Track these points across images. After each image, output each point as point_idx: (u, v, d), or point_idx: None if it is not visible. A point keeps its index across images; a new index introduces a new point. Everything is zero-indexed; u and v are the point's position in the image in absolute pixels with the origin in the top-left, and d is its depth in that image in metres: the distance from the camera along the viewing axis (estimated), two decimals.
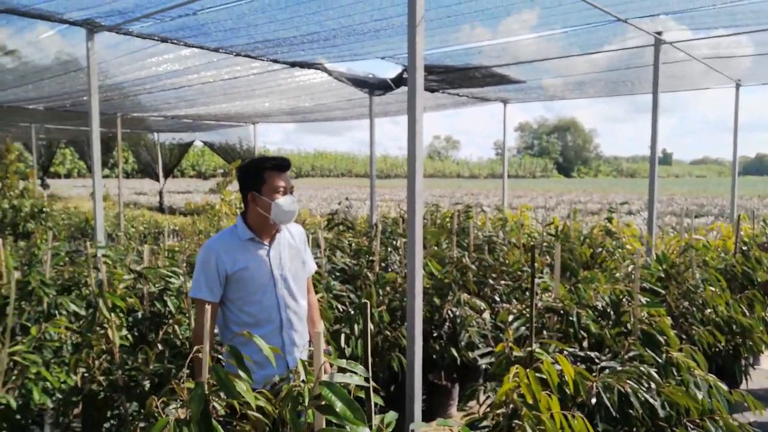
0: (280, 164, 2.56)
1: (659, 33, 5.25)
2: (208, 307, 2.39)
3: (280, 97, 9.20)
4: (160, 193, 20.82)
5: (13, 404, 2.69)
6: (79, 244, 8.68)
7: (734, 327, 4.06)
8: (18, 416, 2.80)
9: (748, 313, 4.31)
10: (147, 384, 2.95)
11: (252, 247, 2.54)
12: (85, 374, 2.97)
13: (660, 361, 2.74)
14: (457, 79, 7.49)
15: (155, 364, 3.01)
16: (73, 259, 4.88)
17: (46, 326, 3.06)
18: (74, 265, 4.55)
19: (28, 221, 9.72)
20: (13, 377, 2.81)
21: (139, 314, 3.42)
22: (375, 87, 7.48)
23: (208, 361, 1.68)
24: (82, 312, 3.46)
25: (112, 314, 2.94)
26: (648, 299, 3.10)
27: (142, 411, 2.97)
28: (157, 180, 19.29)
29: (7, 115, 11.41)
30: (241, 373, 1.67)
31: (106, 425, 2.97)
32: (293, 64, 6.54)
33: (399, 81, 7.09)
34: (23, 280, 3.50)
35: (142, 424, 2.57)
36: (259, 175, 2.53)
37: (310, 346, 2.76)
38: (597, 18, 4.80)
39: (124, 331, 3.17)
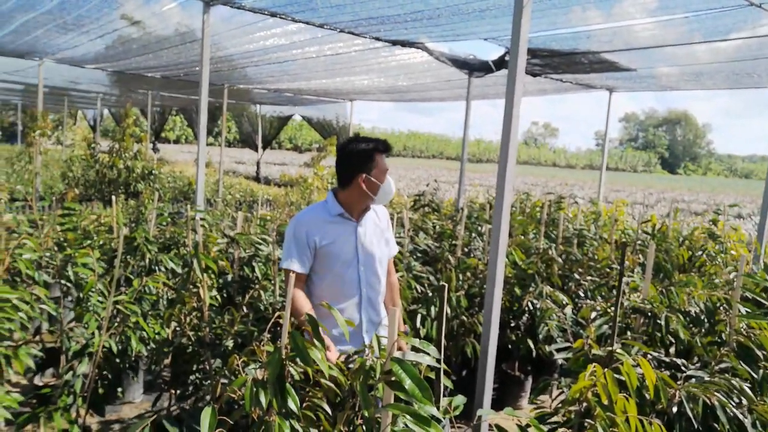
0: (387, 147, 2.63)
1: None
2: (293, 276, 2.52)
3: (379, 75, 9.28)
4: (258, 164, 21.72)
5: (115, 348, 2.95)
6: (181, 206, 9.29)
7: None
8: (117, 360, 3.07)
9: None
10: (230, 343, 3.14)
11: (341, 223, 2.61)
12: (177, 328, 3.20)
13: (756, 376, 2.55)
14: (562, 63, 7.20)
15: (239, 325, 3.18)
16: (174, 220, 5.23)
17: (147, 280, 3.31)
18: (175, 225, 4.88)
19: (138, 182, 10.49)
20: (116, 324, 3.08)
21: (229, 277, 3.62)
22: (475, 68, 7.36)
23: (288, 327, 1.76)
24: (179, 270, 3.72)
25: (205, 275, 3.13)
26: (749, 310, 2.88)
27: (224, 368, 3.17)
28: (256, 150, 20.12)
29: (129, 81, 12.31)
30: (317, 343, 1.73)
31: (192, 377, 3.19)
32: (395, 43, 6.57)
33: (500, 63, 6.93)
34: (130, 236, 3.81)
35: (223, 380, 2.75)
36: (370, 157, 2.58)
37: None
38: (725, 2, 4.42)
39: (214, 292, 3.37)
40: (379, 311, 2.71)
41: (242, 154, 37.14)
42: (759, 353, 2.69)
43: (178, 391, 3.15)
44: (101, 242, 4.01)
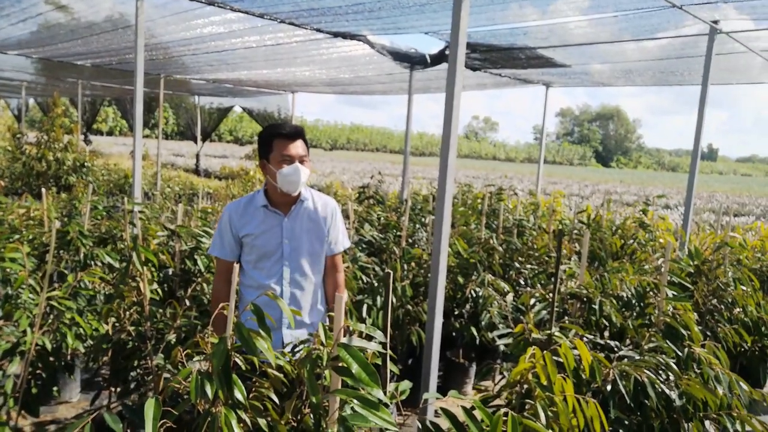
0: (289, 132, 2.49)
1: (716, 22, 5.06)
2: (228, 265, 2.49)
3: (321, 66, 9.21)
4: (197, 156, 21.17)
5: (48, 346, 2.83)
6: (116, 200, 8.95)
7: (763, 328, 3.98)
8: (51, 358, 2.95)
9: None
10: (173, 338, 3.07)
11: (265, 214, 2.54)
12: (116, 324, 3.09)
13: (681, 354, 2.72)
14: (501, 58, 7.37)
15: (182, 319, 3.11)
16: (110, 214, 5.04)
17: (82, 275, 3.19)
18: (111, 219, 4.71)
19: (70, 174, 10.03)
20: (49, 321, 2.95)
21: (170, 270, 3.53)
22: (415, 62, 7.43)
23: (233, 317, 1.75)
24: (116, 264, 3.60)
25: (145, 268, 3.04)
26: (675, 293, 3.05)
27: (167, 363, 3.09)
28: (195, 142, 19.61)
29: (56, 69, 11.71)
30: (262, 332, 1.72)
31: (133, 374, 3.10)
32: (336, 35, 6.54)
33: (440, 57, 7.02)
34: (63, 230, 3.65)
35: (167, 375, 2.69)
36: (268, 143, 2.51)
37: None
38: (652, 3, 4.65)
39: (155, 286, 3.28)
40: (306, 311, 2.59)
41: (181, 147, 36.05)
42: (684, 333, 2.86)
43: (119, 389, 3.05)
44: (31, 237, 3.82)
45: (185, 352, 1.80)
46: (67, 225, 3.74)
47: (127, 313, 3.11)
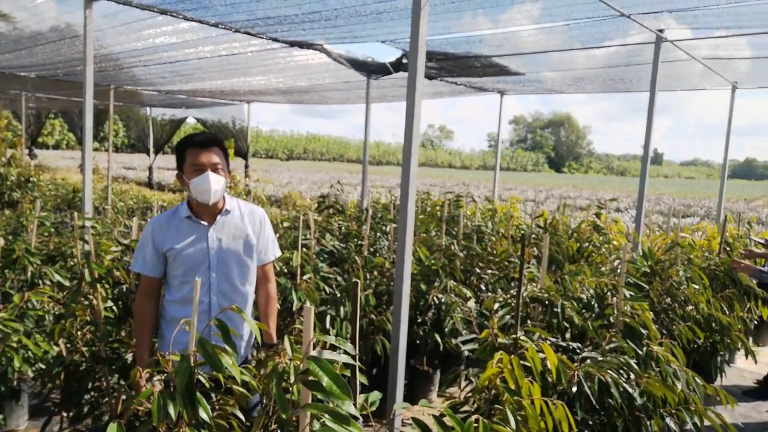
0: (200, 141, 2.44)
1: (661, 31, 5.25)
2: (152, 281, 2.43)
3: (277, 76, 9.14)
4: (150, 169, 20.64)
5: None
6: (65, 215, 8.62)
7: (713, 324, 4.13)
8: None
9: (727, 312, 4.38)
10: (130, 357, 2.95)
11: (189, 226, 2.48)
12: (68, 345, 2.96)
13: (640, 353, 2.78)
14: (457, 67, 7.47)
15: None
16: (59, 230, 4.85)
17: (30, 295, 3.05)
18: (60, 236, 4.52)
19: (14, 190, 9.63)
20: None
21: (125, 287, 3.40)
22: (373, 70, 7.44)
23: (195, 335, 1.69)
24: (67, 283, 3.44)
25: (98, 285, 2.93)
26: (632, 293, 3.13)
27: (125, 383, 2.98)
28: (148, 155, 19.13)
29: None
30: (227, 348, 1.67)
31: (87, 396, 2.97)
32: (292, 44, 6.49)
33: (398, 65, 7.06)
34: (8, 248, 3.48)
35: (123, 397, 2.58)
36: (182, 153, 2.46)
37: (254, 344, 2.67)
38: (600, 12, 4.79)
39: (110, 303, 3.17)
40: (236, 321, 2.51)
41: (132, 159, 35.15)
42: (642, 332, 2.94)
43: (71, 413, 2.91)
44: None
45: (145, 371, 1.72)
46: (12, 243, 3.57)
47: (80, 333, 2.99)
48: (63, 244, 4.13)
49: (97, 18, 5.70)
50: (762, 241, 5.58)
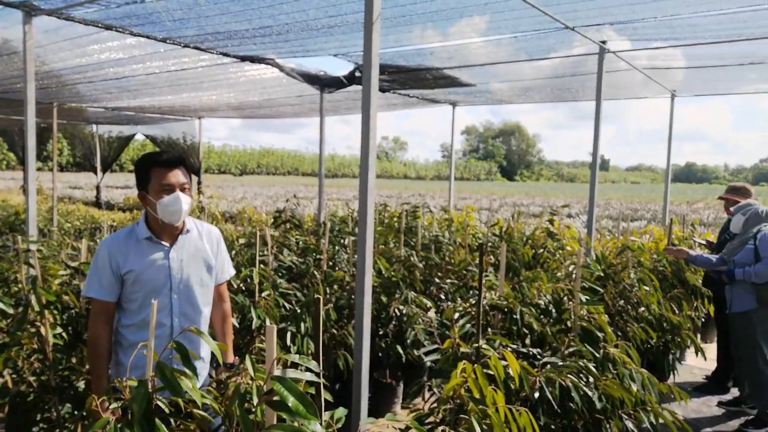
0: (167, 160, 2.39)
1: (604, 42, 5.45)
2: (108, 306, 2.33)
3: (229, 90, 9.02)
4: (98, 188, 19.98)
5: None
6: (6, 239, 8.24)
7: (665, 324, 4.27)
8: None
9: (677, 311, 4.55)
10: (83, 384, 2.83)
11: (149, 247, 2.41)
12: (13, 375, 2.82)
13: (598, 356, 2.85)
14: (409, 79, 7.55)
15: None
16: (0, 255, 4.63)
17: None
18: (1, 260, 4.31)
19: None
20: None
21: (74, 311, 3.27)
22: (326, 84, 7.44)
23: (154, 357, 1.63)
24: (10, 311, 3.28)
25: (46, 311, 2.80)
26: (588, 298, 3.21)
27: (76, 413, 2.85)
28: (95, 173, 18.53)
29: None
30: (187, 371, 1.63)
31: (35, 429, 2.83)
32: (243, 58, 6.42)
33: (351, 78, 7.09)
34: None
35: (72, 426, 2.46)
36: (146, 172, 2.40)
37: (213, 364, 2.65)
38: (546, 25, 4.94)
39: (59, 329, 3.03)
40: (197, 343, 2.48)
41: (78, 179, 34.01)
42: (599, 335, 3.01)
43: None
44: None
45: (100, 399, 1.66)
46: None
47: (27, 362, 2.85)
48: (5, 269, 3.94)
49: (38, 34, 5.51)
50: (704, 242, 5.81)
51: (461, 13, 4.77)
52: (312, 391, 1.71)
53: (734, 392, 5.03)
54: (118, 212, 17.05)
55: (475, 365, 1.96)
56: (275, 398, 1.35)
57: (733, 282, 4.45)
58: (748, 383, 4.50)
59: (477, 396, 1.94)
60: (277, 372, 1.42)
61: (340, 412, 1.71)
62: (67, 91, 9.20)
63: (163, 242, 2.43)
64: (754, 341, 4.39)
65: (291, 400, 1.32)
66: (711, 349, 5.60)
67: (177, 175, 2.39)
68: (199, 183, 16.11)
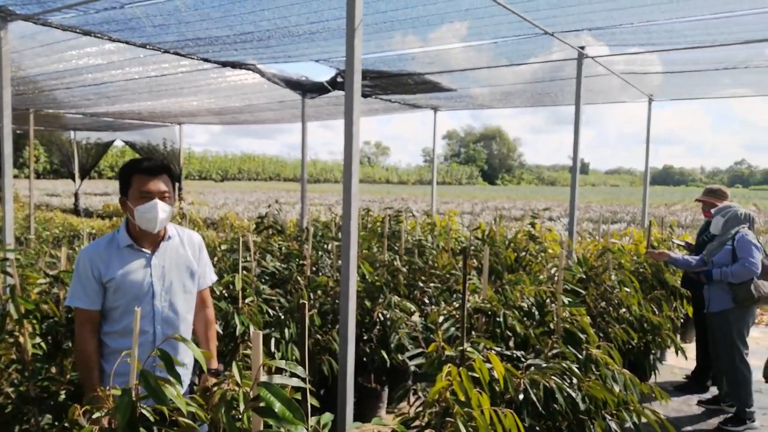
0: (148, 168, 2.38)
1: (582, 47, 5.53)
2: (93, 315, 2.32)
3: (210, 96, 8.97)
4: (76, 195, 19.71)
5: None
6: None
7: (645, 325, 4.33)
8: None
9: (657, 312, 4.62)
10: (63, 395, 2.79)
11: (130, 254, 2.39)
12: None
13: (581, 357, 2.88)
14: (391, 84, 7.58)
15: (72, 373, 2.84)
16: None
17: None
18: None
19: None
20: None
21: (54, 320, 3.22)
22: (308, 89, 7.44)
23: (138, 366, 1.62)
24: None
25: (25, 321, 2.76)
26: (570, 300, 3.25)
27: (56, 423, 2.80)
28: (74, 180, 18.27)
29: None
30: (171, 379, 1.61)
31: None
32: (225, 64, 6.40)
33: (333, 84, 7.09)
34: None
35: None
36: (127, 178, 2.38)
37: (196, 371, 2.63)
38: (526, 30, 4.99)
39: (38, 339, 2.98)
40: (181, 350, 2.48)
41: (56, 186, 33.45)
42: (581, 336, 3.04)
43: None
44: None
45: (83, 408, 1.63)
46: None
47: (5, 373, 2.80)
48: None
49: (14, 39, 5.43)
50: (683, 243, 5.91)
51: (442, 18, 4.81)
52: (298, 396, 1.71)
53: (713, 391, 5.11)
54: (97, 219, 16.81)
55: (461, 368, 1.98)
56: (262, 404, 1.35)
57: (711, 282, 4.54)
58: (727, 381, 4.58)
59: (462, 399, 1.95)
60: (263, 378, 1.42)
61: (327, 417, 1.71)
62: (44, 97, 9.08)
63: (144, 249, 2.42)
64: (731, 340, 4.48)
65: (278, 406, 1.32)
66: (690, 348, 5.69)
67: (157, 183, 2.38)
68: (179, 189, 15.98)
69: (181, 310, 2.49)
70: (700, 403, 4.93)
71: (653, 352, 4.53)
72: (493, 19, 4.68)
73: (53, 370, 2.92)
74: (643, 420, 2.74)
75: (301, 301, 1.46)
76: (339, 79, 6.95)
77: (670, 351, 5.63)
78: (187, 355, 2.52)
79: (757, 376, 4.61)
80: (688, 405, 4.92)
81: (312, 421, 1.66)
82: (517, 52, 6.06)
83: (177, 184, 16.20)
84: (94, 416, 1.59)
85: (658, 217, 9.73)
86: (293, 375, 1.49)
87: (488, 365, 2.17)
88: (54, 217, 14.53)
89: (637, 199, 39.61)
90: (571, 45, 5.39)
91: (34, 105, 10.24)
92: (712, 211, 4.83)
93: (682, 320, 5.66)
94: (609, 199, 40.68)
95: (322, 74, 7.20)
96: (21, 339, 2.78)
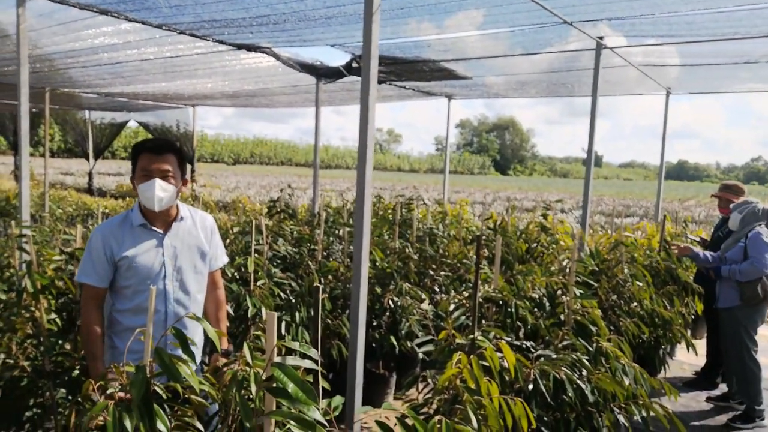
0: (152, 147, 2.39)
1: (601, 38, 5.46)
2: (100, 292, 2.34)
3: (224, 78, 8.97)
4: (90, 174, 19.87)
5: None
6: None
7: (656, 320, 4.31)
8: None
9: (669, 307, 4.59)
10: (77, 371, 2.83)
11: (143, 233, 2.41)
12: (7, 360, 2.81)
13: (591, 350, 2.88)
14: (405, 71, 7.53)
15: None
16: None
17: None
18: None
19: None
20: None
21: (69, 297, 3.26)
22: (323, 74, 7.41)
23: (151, 344, 1.64)
24: (3, 296, 3.26)
25: (41, 296, 2.79)
26: (581, 292, 3.23)
27: (70, 398, 2.85)
28: (87, 160, 18.41)
29: None
30: (185, 357, 1.63)
31: (29, 413, 2.82)
32: (240, 47, 6.38)
33: (349, 69, 7.06)
34: None
35: (66, 411, 2.45)
36: (135, 158, 2.40)
37: (206, 349, 2.66)
38: (544, 19, 4.93)
39: (53, 315, 3.02)
40: (192, 329, 2.51)
41: (70, 165, 33.72)
42: (592, 329, 3.04)
43: None
44: None
45: (98, 384, 1.66)
46: None
47: (21, 347, 2.84)
48: None
49: (31, 17, 5.45)
50: (698, 239, 5.85)
51: (460, 5, 4.76)
52: (310, 379, 1.72)
53: (723, 388, 5.09)
54: (111, 199, 16.95)
55: (471, 356, 1.98)
56: (275, 385, 1.36)
57: (720, 278, 4.52)
58: (736, 379, 4.56)
59: (473, 387, 1.95)
60: (276, 359, 1.43)
61: (338, 400, 1.72)
62: (59, 75, 9.12)
63: (156, 229, 2.44)
64: (740, 337, 4.45)
65: (291, 387, 1.33)
66: (700, 345, 5.66)
67: (159, 162, 2.37)
68: (192, 171, 16.05)
69: (192, 290, 2.51)
70: (709, 399, 4.92)
71: (663, 347, 4.51)
72: (511, 6, 4.62)
73: (67, 346, 2.96)
74: (652, 414, 2.73)
75: (315, 284, 1.46)
76: (354, 65, 6.92)
77: (680, 347, 5.61)
78: (196, 334, 2.55)
79: (767, 374, 4.58)
80: (696, 401, 4.90)
81: (323, 403, 1.67)
82: (534, 41, 5.99)
83: (190, 166, 16.21)
84: (108, 392, 1.61)
85: (671, 212, 9.66)
86: (305, 356, 1.50)
87: (499, 354, 2.17)
88: (68, 196, 14.66)
89: (651, 193, 39.26)
90: (590, 35, 5.32)
91: (50, 83, 10.29)
92: (730, 206, 4.78)
93: (693, 316, 5.63)
94: (622, 193, 40.36)
95: (336, 60, 7.17)
96: (37, 314, 2.82)
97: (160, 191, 2.36)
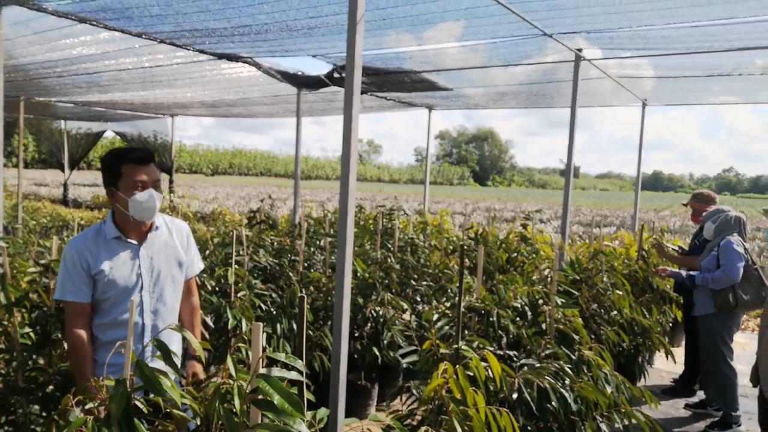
0: (140, 157, 2.35)
1: (579, 50, 5.54)
2: (84, 307, 2.29)
3: (204, 88, 8.91)
4: (65, 185, 19.53)
5: None
6: None
7: (636, 328, 4.36)
8: None
9: (647, 315, 4.64)
10: (51, 386, 2.76)
11: (118, 246, 2.37)
12: None
13: (573, 358, 2.89)
14: (387, 82, 7.56)
15: (61, 364, 2.81)
16: None
17: None
18: None
19: None
20: None
21: (44, 310, 3.18)
22: (305, 83, 7.41)
23: (132, 356, 1.60)
24: None
25: (14, 309, 2.72)
26: (563, 301, 3.25)
27: (44, 414, 2.77)
28: (62, 171, 18.10)
29: None
30: (167, 370, 1.59)
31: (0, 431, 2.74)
32: (221, 56, 6.35)
33: (331, 78, 7.07)
34: None
35: (41, 429, 2.38)
36: (116, 169, 2.35)
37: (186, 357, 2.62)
38: (524, 31, 5.00)
39: (27, 329, 2.94)
40: (170, 340, 2.47)
41: (44, 176, 33.11)
42: (575, 337, 3.05)
43: None
44: None
45: (76, 399, 1.61)
46: None
47: None
48: None
49: (6, 26, 5.35)
50: (676, 248, 5.95)
51: (442, 17, 4.80)
52: (294, 390, 1.70)
53: (700, 395, 5.15)
54: (87, 210, 16.67)
55: (457, 366, 1.97)
56: (260, 397, 1.33)
57: (696, 287, 4.60)
58: (713, 386, 4.62)
59: (458, 397, 1.94)
60: (261, 371, 1.40)
61: (323, 412, 1.70)
62: (34, 84, 8.97)
63: (131, 241, 2.40)
64: (715, 344, 4.52)
65: (277, 398, 1.31)
66: (678, 352, 5.73)
67: (149, 172, 2.36)
68: (170, 182, 15.88)
69: (169, 300, 2.47)
70: (687, 406, 4.97)
71: (642, 355, 4.55)
72: (492, 18, 4.68)
73: (41, 361, 2.89)
74: (633, 422, 2.75)
75: (299, 295, 1.45)
76: (335, 75, 6.93)
77: (659, 355, 5.67)
78: (173, 345, 2.51)
79: (743, 380, 4.66)
80: (675, 408, 4.95)
81: (308, 415, 1.64)
82: (514, 53, 6.06)
83: (169, 177, 16.04)
84: (86, 407, 1.57)
85: (647, 222, 9.80)
86: (286, 367, 1.48)
87: (483, 364, 2.16)
88: (42, 207, 14.39)
89: (627, 203, 39.86)
90: (569, 47, 5.40)
91: (25, 92, 10.12)
92: (703, 215, 4.86)
93: (671, 324, 5.70)
94: (599, 203, 40.92)
95: (317, 70, 7.17)
96: (10, 328, 2.75)
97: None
